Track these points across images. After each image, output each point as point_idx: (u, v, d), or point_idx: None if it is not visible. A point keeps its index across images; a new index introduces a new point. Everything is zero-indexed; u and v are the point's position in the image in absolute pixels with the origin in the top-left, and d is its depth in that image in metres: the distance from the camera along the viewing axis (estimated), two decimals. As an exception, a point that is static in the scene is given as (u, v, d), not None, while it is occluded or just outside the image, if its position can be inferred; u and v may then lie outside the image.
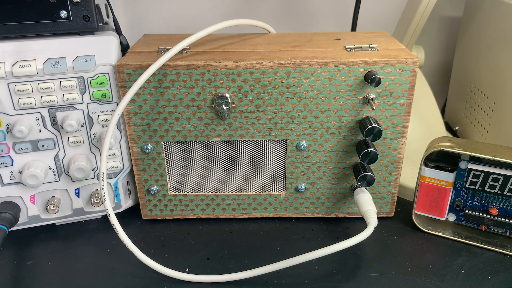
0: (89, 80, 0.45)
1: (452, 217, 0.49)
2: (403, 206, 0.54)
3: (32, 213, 0.49)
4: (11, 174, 0.47)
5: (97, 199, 0.50)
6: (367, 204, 0.46)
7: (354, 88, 0.45)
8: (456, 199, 0.48)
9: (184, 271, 0.43)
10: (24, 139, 0.46)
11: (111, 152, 0.49)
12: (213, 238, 0.49)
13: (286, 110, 0.46)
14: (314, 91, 0.45)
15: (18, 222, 0.49)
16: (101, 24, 0.51)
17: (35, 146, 0.46)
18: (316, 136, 0.47)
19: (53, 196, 0.49)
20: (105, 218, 0.53)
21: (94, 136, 0.47)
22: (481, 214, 0.47)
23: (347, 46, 0.48)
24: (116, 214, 0.51)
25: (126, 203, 0.52)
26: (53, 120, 0.46)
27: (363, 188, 0.49)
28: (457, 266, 0.44)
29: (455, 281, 0.42)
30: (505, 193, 0.44)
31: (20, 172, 0.47)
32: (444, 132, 0.64)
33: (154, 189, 0.50)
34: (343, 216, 0.52)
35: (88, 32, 0.46)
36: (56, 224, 0.52)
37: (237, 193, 0.51)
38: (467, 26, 0.69)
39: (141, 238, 0.49)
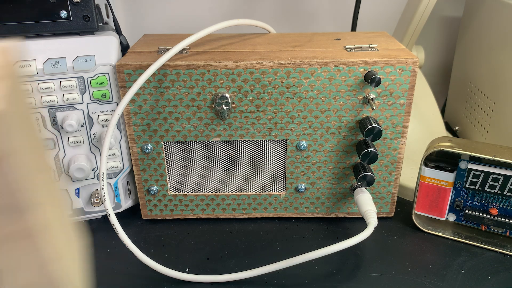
0: (89, 80, 0.45)
1: (452, 217, 0.49)
2: (403, 206, 0.54)
3: (32, 213, 0.49)
4: (11, 174, 0.47)
5: (97, 199, 0.50)
6: (367, 204, 0.46)
7: (354, 88, 0.45)
8: (456, 199, 0.48)
9: (184, 271, 0.43)
10: (24, 139, 0.45)
11: (111, 152, 0.49)
12: (213, 238, 0.49)
13: (286, 110, 0.46)
14: (314, 91, 0.45)
15: (18, 222, 0.49)
16: (101, 24, 0.51)
17: (35, 146, 0.46)
18: (316, 136, 0.47)
19: (53, 196, 0.49)
20: (105, 218, 0.53)
21: (94, 136, 0.47)
22: (481, 214, 0.47)
23: (347, 46, 0.48)
24: (116, 214, 0.51)
25: (126, 203, 0.52)
26: (53, 120, 0.46)
27: (363, 188, 0.49)
28: (457, 266, 0.44)
29: (455, 281, 0.42)
30: (505, 193, 0.44)
31: (20, 172, 0.47)
32: (444, 132, 0.64)
33: (154, 189, 0.50)
34: (343, 216, 0.52)
35: (88, 32, 0.46)
36: (56, 224, 0.52)
37: (237, 193, 0.51)
38: (467, 26, 0.69)
39: (141, 238, 0.49)
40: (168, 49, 0.47)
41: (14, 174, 0.21)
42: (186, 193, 0.51)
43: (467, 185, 0.46)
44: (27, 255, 0.23)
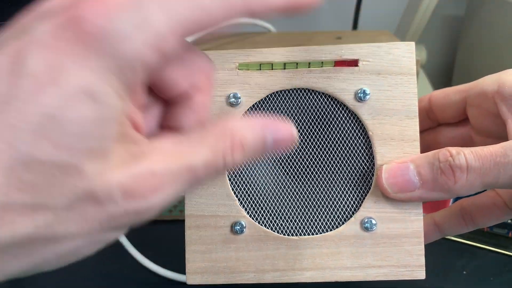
0: (87, 79, 0.45)
1: (454, 218, 0.48)
2: (405, 207, 0.54)
3: (30, 213, 0.49)
4: (9, 175, 0.46)
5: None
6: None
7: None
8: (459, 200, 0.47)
9: (184, 273, 0.42)
10: (22, 139, 0.45)
11: (110, 152, 0.48)
12: (213, 239, 0.48)
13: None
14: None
15: (17, 223, 0.48)
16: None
17: (33, 146, 0.46)
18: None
19: (52, 197, 0.49)
20: (104, 219, 0.52)
21: (93, 136, 0.47)
22: (483, 215, 0.46)
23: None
24: (115, 214, 0.50)
25: (125, 204, 0.52)
26: (51, 120, 0.45)
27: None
28: (460, 267, 0.43)
29: (457, 283, 0.41)
30: (508, 193, 0.44)
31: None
32: (446, 132, 0.64)
33: (154, 189, 0.50)
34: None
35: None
36: (55, 224, 0.51)
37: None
38: (469, 25, 0.69)
39: (140, 240, 0.48)
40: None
41: None
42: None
43: (469, 186, 0.45)
44: None
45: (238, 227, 0.29)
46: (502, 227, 0.46)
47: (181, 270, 0.43)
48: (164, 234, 0.50)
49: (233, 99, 0.29)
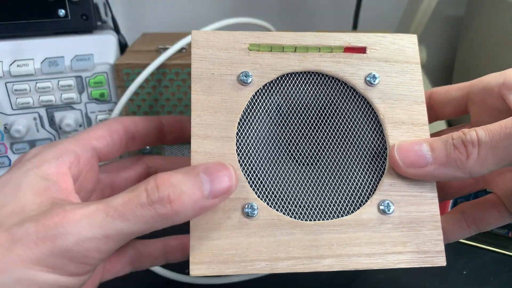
0: (87, 79, 0.45)
1: (454, 218, 0.48)
2: (405, 207, 0.54)
3: (30, 213, 0.49)
4: (9, 175, 0.46)
5: (95, 200, 0.49)
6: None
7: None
8: (459, 200, 0.47)
9: (183, 273, 0.42)
10: (22, 139, 0.45)
11: (110, 152, 0.48)
12: (213, 239, 0.48)
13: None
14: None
15: (16, 223, 0.48)
16: (99, 23, 0.51)
17: (33, 146, 0.46)
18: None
19: (52, 197, 0.49)
20: (104, 219, 0.52)
21: (93, 136, 0.47)
22: (483, 215, 0.46)
23: None
24: (115, 214, 0.50)
25: (125, 204, 0.52)
26: (51, 120, 0.45)
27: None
28: (459, 268, 0.43)
29: (457, 283, 0.41)
30: (508, 193, 0.44)
31: (18, 173, 0.46)
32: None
33: (153, 189, 0.50)
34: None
35: (87, 31, 0.46)
36: (55, 224, 0.51)
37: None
38: (469, 25, 0.69)
39: (139, 239, 0.48)
40: (167, 48, 0.46)
41: None
42: (185, 194, 0.50)
43: (469, 186, 0.45)
44: None
45: (249, 210, 0.27)
46: (502, 227, 0.46)
47: (182, 270, 0.43)
48: (162, 232, 0.50)
49: (244, 77, 0.29)
